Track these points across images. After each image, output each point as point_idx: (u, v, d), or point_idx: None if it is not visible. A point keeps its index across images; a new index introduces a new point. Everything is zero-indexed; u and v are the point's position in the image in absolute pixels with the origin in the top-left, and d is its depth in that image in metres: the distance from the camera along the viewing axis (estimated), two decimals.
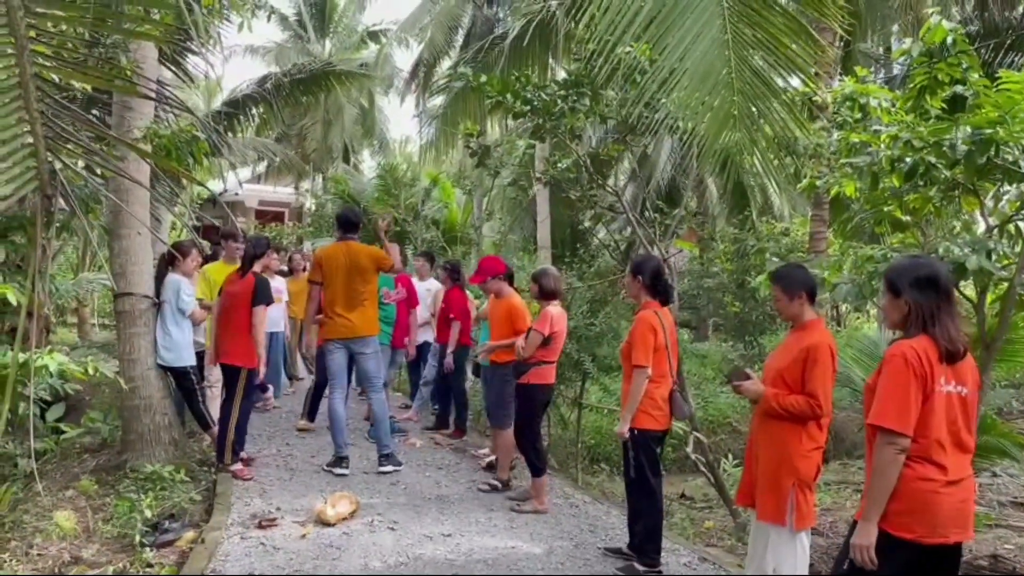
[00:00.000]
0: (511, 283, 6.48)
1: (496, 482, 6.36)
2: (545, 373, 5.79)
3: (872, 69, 12.71)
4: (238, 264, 6.62)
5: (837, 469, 7.48)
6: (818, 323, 3.83)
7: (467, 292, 8.40)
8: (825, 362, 3.65)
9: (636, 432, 4.65)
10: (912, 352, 2.80)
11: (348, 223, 6.60)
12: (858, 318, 17.64)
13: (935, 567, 2.86)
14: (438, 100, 17.82)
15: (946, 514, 2.79)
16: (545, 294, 5.77)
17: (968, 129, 4.03)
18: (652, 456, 4.71)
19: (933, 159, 4.15)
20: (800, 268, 4.10)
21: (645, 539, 4.72)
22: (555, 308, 5.76)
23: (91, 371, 4.86)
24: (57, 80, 4.78)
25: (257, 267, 6.37)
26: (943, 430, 2.82)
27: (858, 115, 5.01)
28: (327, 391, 6.74)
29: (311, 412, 8.11)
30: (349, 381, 7.05)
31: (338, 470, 6.45)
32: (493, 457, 6.84)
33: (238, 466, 6.26)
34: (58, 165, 3.96)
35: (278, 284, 9.01)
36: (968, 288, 4.75)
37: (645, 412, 4.64)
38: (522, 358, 5.72)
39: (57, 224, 6.08)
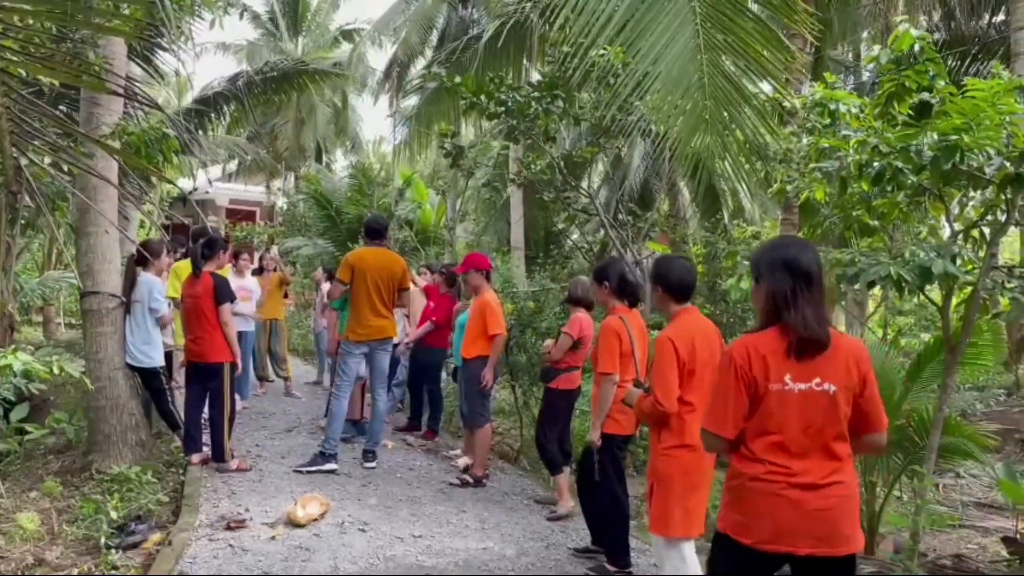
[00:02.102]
0: (488, 281, 6.64)
1: (469, 478, 6.40)
2: (572, 378, 5.88)
3: (842, 75, 12.88)
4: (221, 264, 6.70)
5: None
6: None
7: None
8: (661, 354, 3.62)
9: (601, 436, 4.69)
10: (741, 350, 2.60)
11: (375, 231, 6.81)
12: None
13: None
14: (412, 100, 17.78)
15: (792, 521, 2.52)
16: (571, 300, 5.90)
17: (935, 135, 4.09)
18: (615, 460, 4.77)
19: (900, 164, 4.20)
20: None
21: (613, 542, 4.75)
22: (584, 314, 5.84)
23: (56, 371, 4.79)
24: (24, 75, 4.70)
25: (212, 266, 6.39)
26: (791, 431, 2.54)
27: (827, 120, 5.07)
28: (334, 390, 6.78)
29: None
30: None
31: (329, 465, 6.48)
32: (468, 460, 6.86)
33: (235, 462, 6.39)
34: (24, 161, 3.90)
35: (248, 283, 8.93)
36: (934, 292, 4.83)
37: (609, 417, 4.68)
38: (551, 361, 5.78)
39: (22, 221, 6.01)
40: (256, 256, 11.72)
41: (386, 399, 7.11)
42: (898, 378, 5.49)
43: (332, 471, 6.44)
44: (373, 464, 6.75)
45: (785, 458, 2.54)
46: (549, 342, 6.03)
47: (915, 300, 10.41)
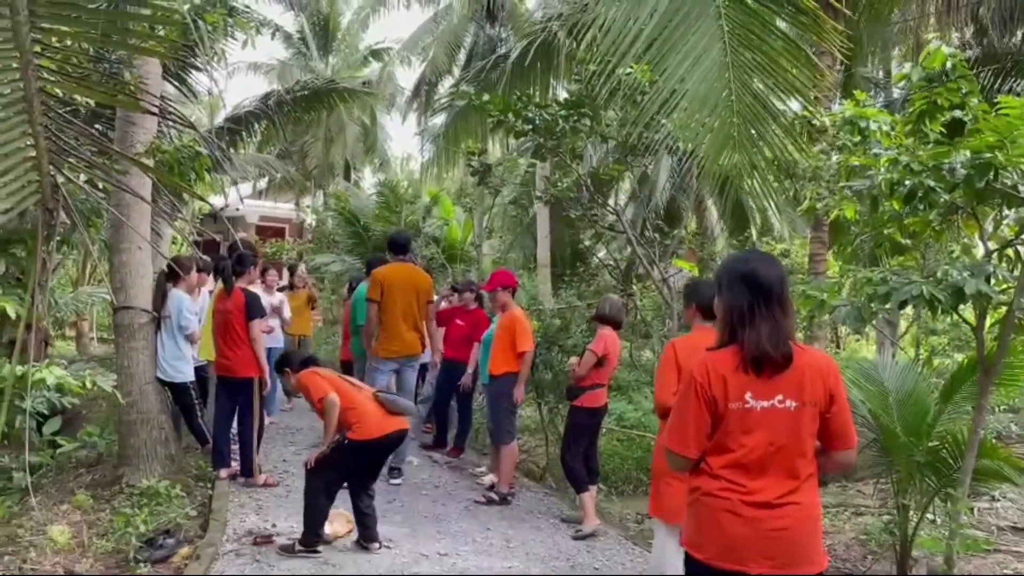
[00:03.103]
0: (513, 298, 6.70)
1: (494, 495, 6.39)
2: (597, 396, 5.90)
3: (872, 93, 12.78)
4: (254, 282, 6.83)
5: (836, 492, 7.43)
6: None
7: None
8: (666, 361, 3.88)
9: (346, 442, 4.96)
10: (701, 368, 2.54)
11: (400, 246, 6.85)
12: (857, 340, 17.62)
13: None
14: (440, 118, 17.88)
15: (745, 538, 2.45)
16: (599, 317, 5.96)
17: (967, 153, 4.04)
18: (346, 460, 5.01)
19: (932, 183, 4.16)
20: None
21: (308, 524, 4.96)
22: (610, 332, 5.87)
23: (89, 385, 4.85)
24: (61, 94, 4.81)
25: (242, 282, 6.46)
26: (750, 449, 2.48)
27: (857, 138, 5.03)
28: None
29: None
30: None
31: None
32: (494, 478, 6.83)
33: (263, 477, 6.44)
34: (60, 179, 3.98)
35: (276, 300, 9.00)
36: (967, 312, 4.75)
37: (356, 422, 4.97)
38: (577, 378, 5.82)
39: (58, 238, 6.11)
40: (285, 272, 11.80)
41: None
42: (931, 399, 5.40)
43: None
44: (399, 481, 6.75)
45: (742, 475, 2.49)
46: (574, 359, 6.06)
47: (948, 320, 10.26)
